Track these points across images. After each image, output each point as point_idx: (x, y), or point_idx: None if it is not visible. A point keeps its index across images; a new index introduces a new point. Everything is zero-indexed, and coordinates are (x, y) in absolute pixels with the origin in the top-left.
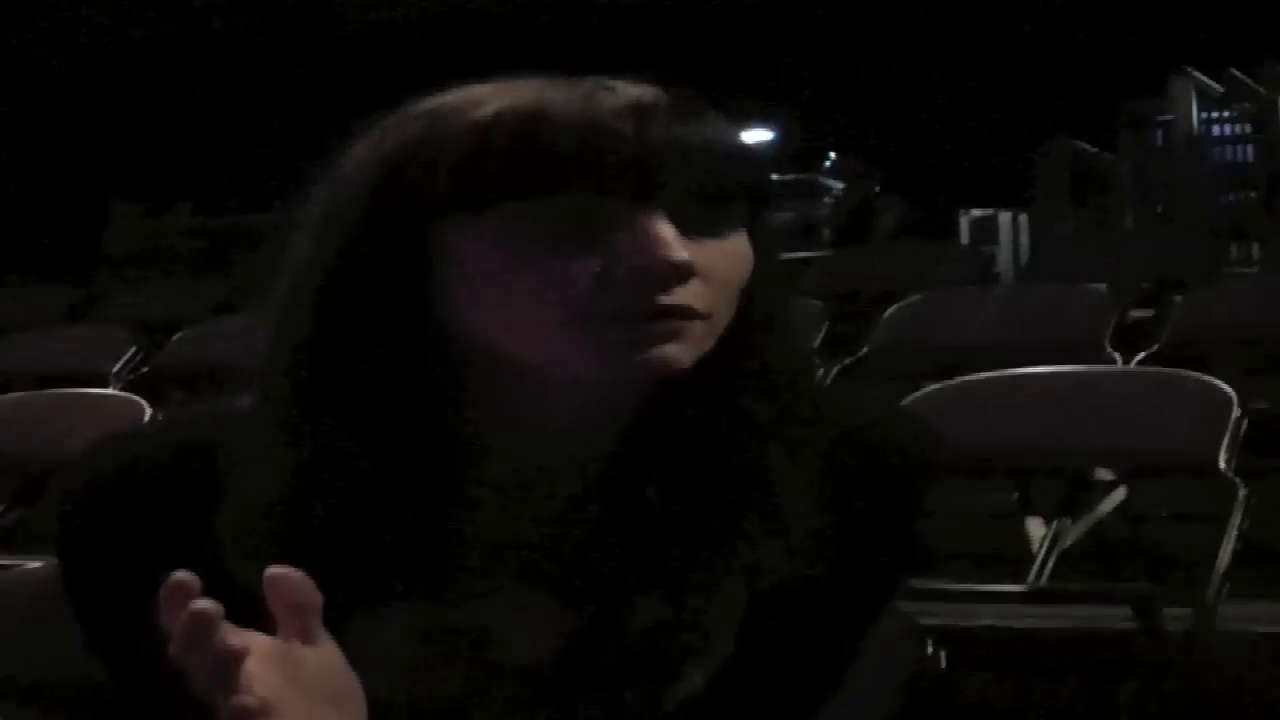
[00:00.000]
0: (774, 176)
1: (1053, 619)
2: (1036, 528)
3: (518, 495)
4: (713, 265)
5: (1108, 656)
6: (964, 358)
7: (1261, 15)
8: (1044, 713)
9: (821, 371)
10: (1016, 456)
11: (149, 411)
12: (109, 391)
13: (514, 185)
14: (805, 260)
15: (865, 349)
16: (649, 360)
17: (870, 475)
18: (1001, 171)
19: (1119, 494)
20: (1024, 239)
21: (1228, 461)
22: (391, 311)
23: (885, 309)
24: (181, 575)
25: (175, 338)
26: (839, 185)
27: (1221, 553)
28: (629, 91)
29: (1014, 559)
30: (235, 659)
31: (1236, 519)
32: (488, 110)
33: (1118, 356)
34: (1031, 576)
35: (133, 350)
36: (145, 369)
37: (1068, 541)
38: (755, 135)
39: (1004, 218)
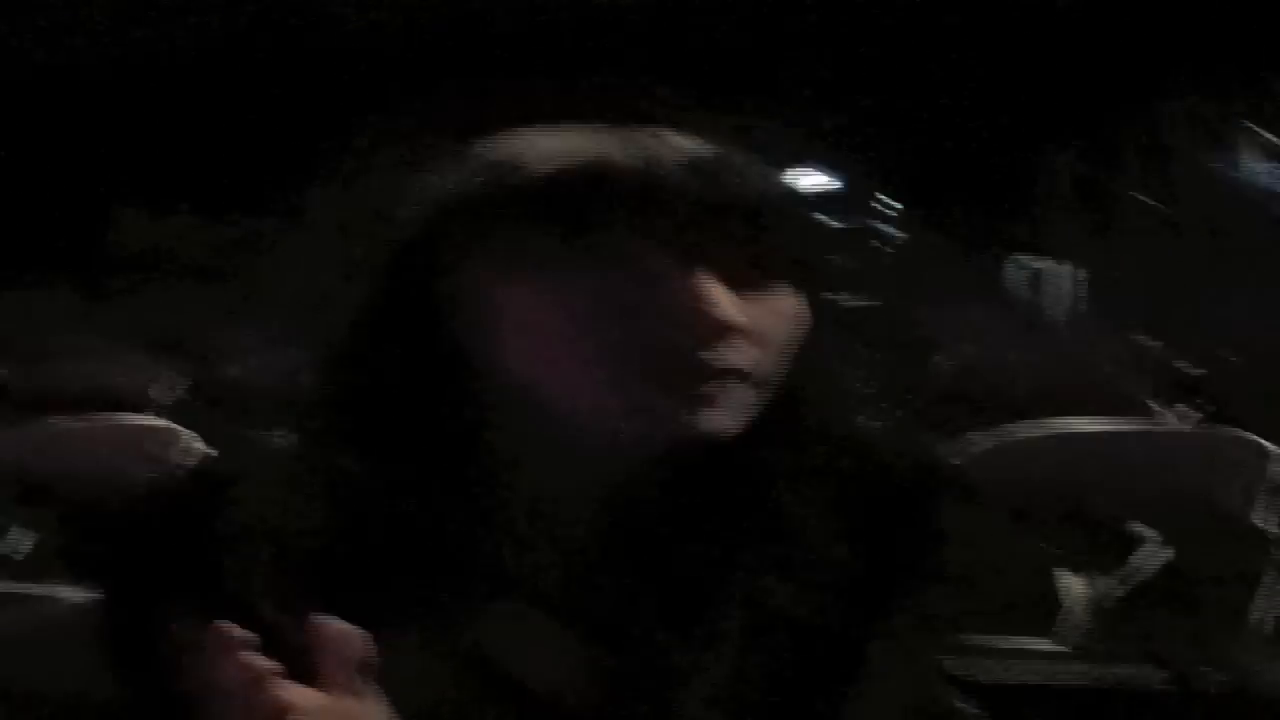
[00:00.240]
0: (826, 220)
1: (1087, 677)
2: (1071, 582)
3: (545, 530)
4: (763, 325)
5: (1144, 717)
6: (1009, 407)
7: None
8: None
9: (867, 418)
10: (1054, 509)
11: (184, 437)
12: (146, 418)
13: (555, 237)
14: (855, 309)
15: (911, 396)
16: (693, 425)
17: (905, 524)
18: (1050, 221)
19: (1158, 550)
20: (1071, 289)
21: (1268, 520)
22: (431, 353)
23: (933, 357)
24: (227, 626)
25: (206, 360)
26: (891, 231)
27: (1254, 610)
28: (682, 145)
29: (1046, 614)
30: (285, 714)
31: (1277, 579)
32: (544, 163)
33: (1163, 410)
34: (1066, 632)
35: (170, 375)
36: (183, 393)
37: (1104, 598)
38: (810, 180)
39: (1052, 267)
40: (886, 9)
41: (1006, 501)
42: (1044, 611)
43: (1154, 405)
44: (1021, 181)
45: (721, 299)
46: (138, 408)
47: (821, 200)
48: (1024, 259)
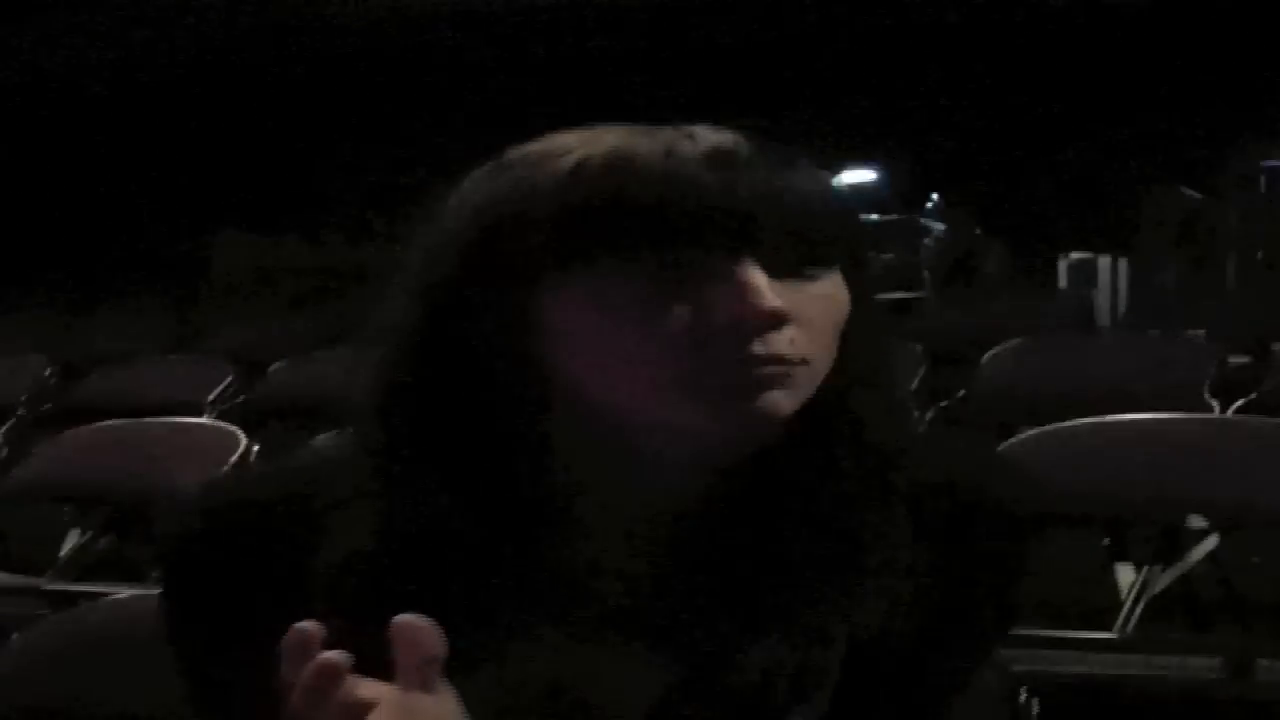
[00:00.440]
0: (873, 217)
1: (1142, 668)
2: (1127, 575)
3: (611, 543)
4: (807, 310)
5: (1197, 707)
6: (1061, 403)
7: None
8: None
9: (918, 415)
10: (1110, 504)
11: (244, 442)
12: (204, 421)
13: (598, 241)
14: (904, 302)
15: (962, 393)
16: (752, 410)
17: (972, 528)
18: (1102, 216)
19: (1211, 542)
20: (1123, 284)
21: None
22: (489, 364)
23: (984, 353)
24: (305, 625)
25: (272, 369)
26: (940, 227)
27: None
28: (710, 139)
29: (1104, 607)
30: (361, 712)
31: None
32: (568, 166)
33: (1215, 404)
34: (1119, 624)
35: (229, 380)
36: (241, 399)
37: (1158, 589)
38: (857, 176)
39: (1103, 262)
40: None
41: (1061, 497)
42: (1101, 603)
43: (1209, 400)
44: (1073, 177)
45: (762, 286)
46: (195, 414)
47: (866, 194)
48: (1076, 255)
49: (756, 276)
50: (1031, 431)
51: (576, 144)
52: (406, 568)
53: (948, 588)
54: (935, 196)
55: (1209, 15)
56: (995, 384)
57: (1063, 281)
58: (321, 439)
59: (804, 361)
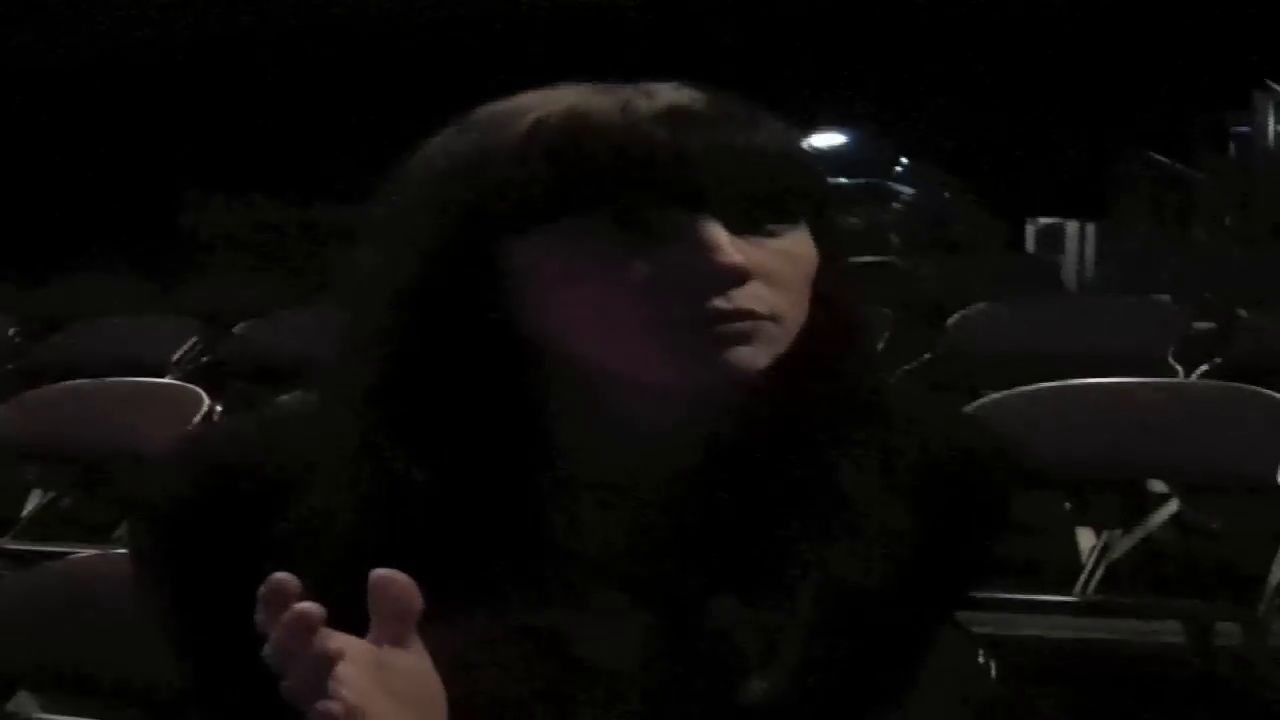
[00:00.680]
0: (842, 180)
1: (1102, 631)
2: (1088, 538)
3: (598, 500)
4: (773, 266)
5: (1156, 670)
6: (1027, 367)
7: None
8: None
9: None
10: (1073, 467)
11: (207, 403)
12: (167, 381)
13: (556, 199)
14: (872, 265)
15: (928, 355)
16: (720, 365)
17: (955, 485)
18: (1069, 181)
19: (1171, 507)
20: (1090, 250)
21: None
22: (460, 322)
23: (949, 316)
24: (282, 576)
25: (237, 329)
26: (909, 190)
27: (1275, 569)
28: (667, 96)
29: (1064, 569)
30: (332, 662)
31: None
32: (525, 125)
33: (1180, 369)
34: (1080, 587)
35: (193, 340)
36: (206, 359)
37: (1119, 554)
38: (826, 139)
39: (1071, 227)
40: None
41: (1025, 459)
42: (1061, 566)
43: (1174, 365)
44: (1042, 142)
45: (721, 242)
46: (159, 374)
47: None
48: (1044, 220)
49: (715, 232)
50: (995, 395)
51: (537, 103)
52: (381, 526)
53: (921, 543)
54: (904, 161)
55: None
56: (962, 348)
57: (1031, 246)
58: (286, 398)
59: (772, 317)
